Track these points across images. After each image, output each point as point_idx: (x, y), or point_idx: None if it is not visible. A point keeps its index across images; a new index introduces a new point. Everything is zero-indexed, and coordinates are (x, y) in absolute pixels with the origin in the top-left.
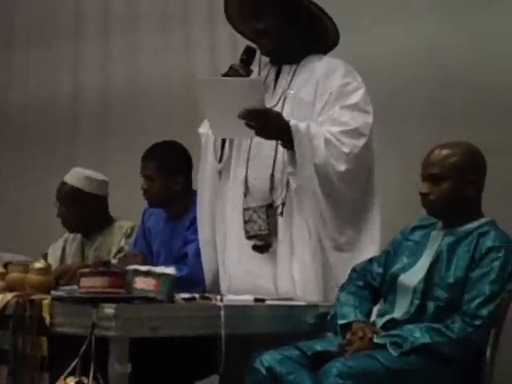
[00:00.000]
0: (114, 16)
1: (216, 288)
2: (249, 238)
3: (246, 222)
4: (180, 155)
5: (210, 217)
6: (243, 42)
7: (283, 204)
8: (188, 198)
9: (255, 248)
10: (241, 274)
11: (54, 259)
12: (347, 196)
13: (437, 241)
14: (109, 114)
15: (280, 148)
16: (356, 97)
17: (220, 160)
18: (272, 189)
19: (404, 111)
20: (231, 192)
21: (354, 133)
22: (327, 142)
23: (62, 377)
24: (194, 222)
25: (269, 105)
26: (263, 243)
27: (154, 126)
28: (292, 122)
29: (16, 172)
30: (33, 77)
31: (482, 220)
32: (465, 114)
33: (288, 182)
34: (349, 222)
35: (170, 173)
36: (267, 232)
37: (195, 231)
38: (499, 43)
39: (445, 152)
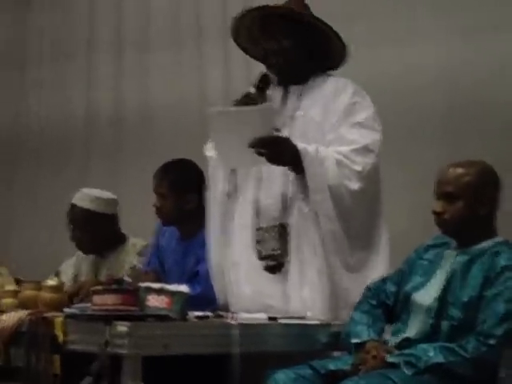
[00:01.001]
0: (126, 35)
1: (228, 308)
2: (261, 258)
3: (257, 242)
4: (193, 173)
5: (219, 240)
6: (256, 63)
7: (297, 228)
8: (201, 216)
9: (267, 268)
10: (250, 295)
11: (66, 277)
12: (358, 215)
13: (450, 260)
14: (122, 133)
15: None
16: (364, 114)
17: (230, 182)
18: (284, 208)
19: (413, 129)
20: (239, 213)
21: (364, 150)
22: (338, 162)
23: None
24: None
25: (277, 125)
26: (275, 263)
27: (166, 144)
28: (300, 146)
29: (29, 192)
30: (45, 97)
31: (496, 239)
32: (475, 132)
33: (300, 207)
34: (359, 242)
35: (183, 191)
36: (280, 252)
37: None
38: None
39: (459, 171)
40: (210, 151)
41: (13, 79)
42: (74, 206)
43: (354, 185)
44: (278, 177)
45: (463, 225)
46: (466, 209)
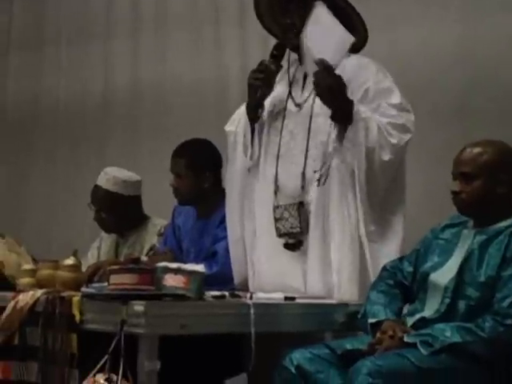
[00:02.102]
0: (143, 17)
1: (245, 287)
2: (280, 235)
3: (276, 220)
4: (209, 153)
5: (239, 215)
6: (273, 40)
7: (318, 206)
8: (217, 195)
9: (287, 246)
10: (270, 273)
11: (93, 259)
12: (382, 186)
13: (468, 239)
14: (138, 112)
15: (311, 145)
16: (397, 96)
17: (251, 157)
18: (303, 186)
19: (431, 108)
20: (260, 190)
21: (402, 127)
22: (379, 129)
23: (92, 374)
24: (223, 219)
25: (299, 101)
26: (295, 241)
27: (183, 123)
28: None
29: (47, 174)
30: (63, 78)
31: None
32: (493, 112)
33: (320, 179)
34: (379, 213)
35: (199, 170)
36: (299, 230)
37: (225, 229)
38: None
39: (476, 150)
40: (229, 126)
41: (31, 60)
42: (98, 188)
43: (386, 156)
44: (296, 154)
45: (480, 204)
46: (483, 188)
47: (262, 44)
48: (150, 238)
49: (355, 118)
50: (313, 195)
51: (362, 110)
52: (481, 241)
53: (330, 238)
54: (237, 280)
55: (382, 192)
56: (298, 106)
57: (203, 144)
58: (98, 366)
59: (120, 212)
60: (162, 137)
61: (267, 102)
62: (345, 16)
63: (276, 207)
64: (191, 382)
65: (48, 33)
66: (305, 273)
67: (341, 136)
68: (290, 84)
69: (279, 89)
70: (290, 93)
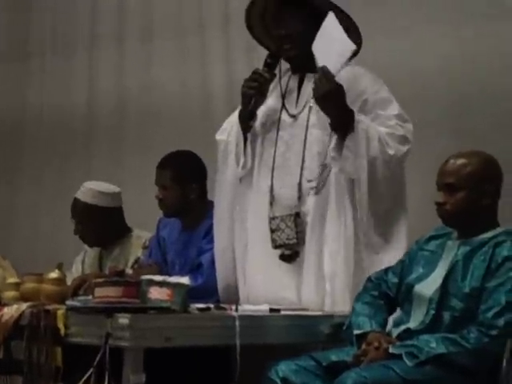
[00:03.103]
0: (128, 26)
1: (228, 297)
2: (276, 247)
3: (272, 231)
4: (195, 164)
5: (228, 224)
6: (258, 49)
7: (315, 217)
8: (203, 207)
9: (283, 257)
10: (262, 284)
11: (77, 273)
12: (384, 198)
13: (452, 251)
14: (124, 124)
15: (307, 156)
16: (396, 107)
17: (243, 166)
18: (300, 197)
19: (423, 119)
20: (253, 201)
21: (401, 138)
22: (379, 138)
23: None
24: (208, 231)
25: (293, 112)
26: (291, 252)
27: (169, 135)
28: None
29: (32, 183)
30: (47, 88)
31: (498, 229)
32: (487, 123)
33: (317, 187)
34: (382, 225)
35: (186, 182)
36: (296, 241)
37: (210, 241)
38: None
39: (460, 161)
40: (220, 135)
41: (16, 70)
42: (77, 201)
43: (385, 165)
44: (292, 165)
45: (465, 216)
46: (467, 200)
47: (246, 53)
48: (135, 250)
49: (356, 127)
50: (309, 206)
51: (362, 119)
52: (465, 252)
53: (325, 248)
54: (220, 289)
55: (386, 203)
56: (293, 116)
57: (188, 156)
58: (83, 380)
59: (99, 224)
60: (147, 147)
61: (260, 113)
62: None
63: (272, 218)
64: None
65: (32, 44)
66: (300, 284)
67: (340, 145)
68: (283, 95)
69: (271, 99)
70: (283, 104)
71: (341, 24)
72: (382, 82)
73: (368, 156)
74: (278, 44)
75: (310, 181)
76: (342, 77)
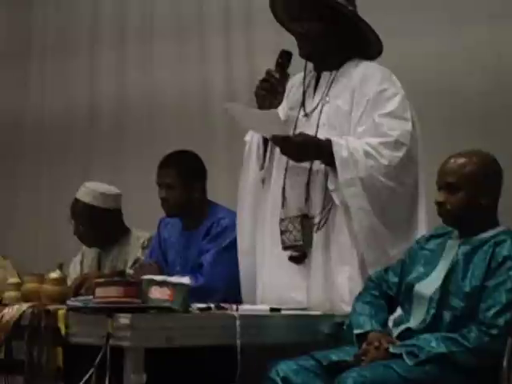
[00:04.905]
0: (129, 27)
1: (252, 299)
2: (285, 248)
3: (282, 233)
4: (198, 164)
5: (250, 226)
6: (259, 51)
7: (322, 221)
8: (204, 207)
9: (291, 259)
10: (274, 286)
11: (75, 273)
12: (395, 208)
13: (453, 250)
14: (124, 125)
15: None
16: (393, 104)
17: (262, 167)
18: (307, 199)
19: (445, 120)
20: (271, 202)
21: (394, 144)
22: (366, 153)
23: None
24: (209, 231)
25: (307, 110)
26: (299, 254)
27: (169, 136)
28: (333, 139)
29: (31, 185)
30: (48, 89)
31: (499, 229)
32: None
33: (325, 198)
34: (400, 234)
35: (190, 180)
36: (302, 243)
37: (210, 241)
38: None
39: (461, 161)
40: (247, 136)
41: (16, 72)
42: (77, 201)
43: (382, 178)
44: (301, 167)
45: (465, 215)
46: (467, 199)
47: (246, 54)
48: (134, 251)
49: (336, 157)
50: (318, 210)
51: (341, 143)
52: (465, 251)
53: (332, 252)
54: (244, 291)
55: (397, 215)
56: (306, 115)
57: (191, 155)
58: (84, 380)
59: (99, 225)
60: (148, 148)
61: (281, 112)
62: (358, 29)
63: (282, 220)
64: None
65: (33, 45)
66: (308, 286)
67: (334, 177)
68: (304, 93)
69: (294, 98)
70: (303, 102)
71: (359, 30)
72: (394, 80)
73: (359, 178)
74: (296, 40)
75: (313, 217)
76: (353, 76)
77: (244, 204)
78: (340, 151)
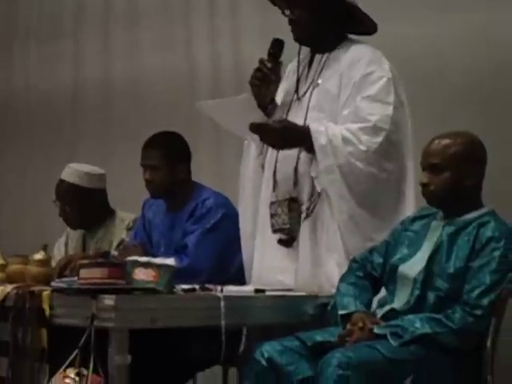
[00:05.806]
0: (114, 11)
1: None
2: (274, 231)
3: (272, 216)
4: (182, 144)
5: (252, 211)
6: (245, 36)
7: (310, 206)
8: (189, 188)
9: (280, 242)
10: (264, 268)
11: (59, 255)
12: (378, 195)
13: (437, 231)
14: (110, 109)
15: None
16: (376, 87)
17: (261, 152)
18: (296, 183)
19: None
20: (265, 186)
21: (372, 129)
22: (345, 140)
23: (62, 368)
24: (193, 212)
25: (300, 94)
26: (288, 237)
27: (155, 119)
28: (312, 126)
29: (17, 169)
30: (34, 73)
31: (483, 210)
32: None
33: (312, 185)
34: (384, 223)
35: (175, 161)
36: (289, 226)
37: (195, 222)
38: None
39: (445, 142)
40: None
41: (0, 54)
42: (62, 181)
43: (361, 165)
44: (290, 152)
45: (449, 196)
46: (451, 180)
47: (232, 38)
48: (118, 232)
49: (316, 144)
50: (306, 196)
51: (321, 129)
52: (449, 232)
53: (320, 237)
54: (248, 274)
55: (381, 201)
56: (299, 99)
57: (176, 136)
58: (69, 361)
59: (84, 205)
60: (133, 131)
61: (278, 98)
62: (350, 12)
63: (272, 203)
64: (163, 376)
65: (18, 28)
66: (296, 270)
67: (316, 165)
68: (298, 79)
69: (291, 83)
70: (296, 87)
71: (352, 10)
72: (382, 62)
73: (338, 165)
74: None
75: (301, 204)
76: (342, 60)
77: (245, 190)
78: (319, 138)
